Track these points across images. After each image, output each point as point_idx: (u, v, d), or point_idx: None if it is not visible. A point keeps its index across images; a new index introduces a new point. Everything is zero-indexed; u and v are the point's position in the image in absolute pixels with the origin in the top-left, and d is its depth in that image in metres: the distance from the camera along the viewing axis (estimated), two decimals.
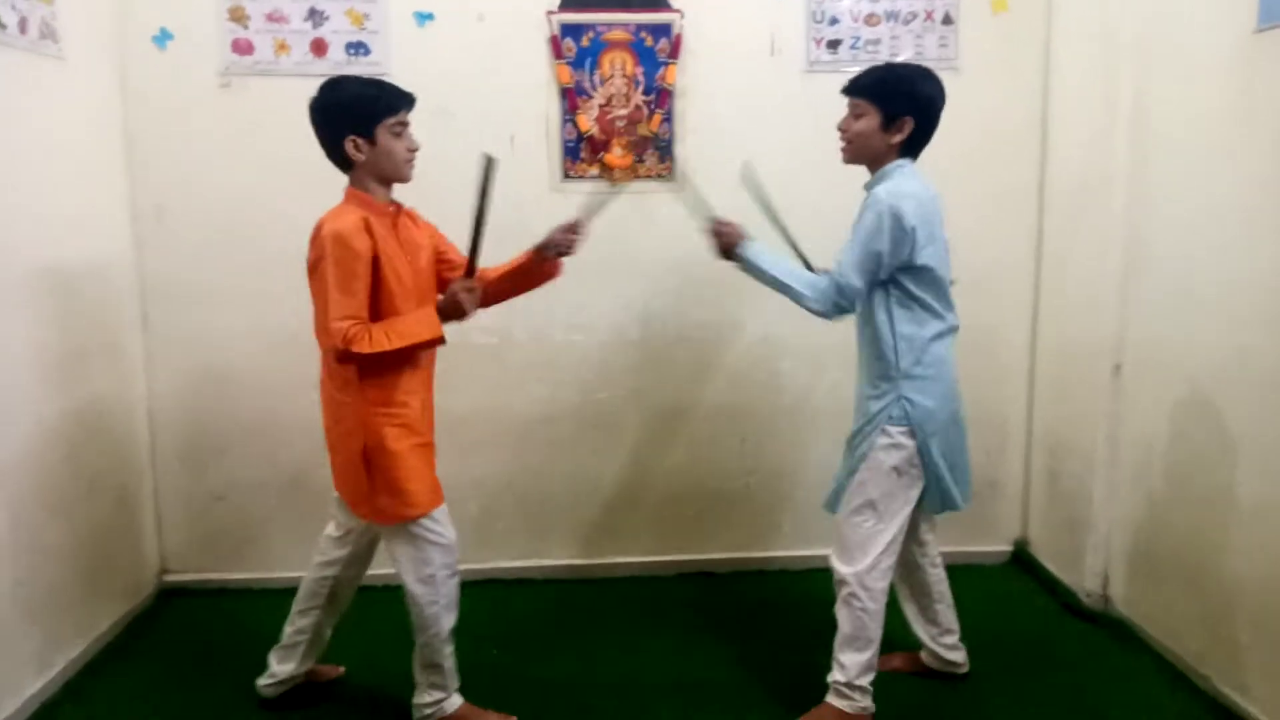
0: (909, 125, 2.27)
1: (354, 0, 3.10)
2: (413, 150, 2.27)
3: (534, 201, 3.17)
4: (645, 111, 3.21)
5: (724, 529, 3.46)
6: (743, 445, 3.41)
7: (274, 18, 3.09)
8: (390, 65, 3.10)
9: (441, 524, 2.35)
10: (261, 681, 2.55)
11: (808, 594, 3.17)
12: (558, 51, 3.15)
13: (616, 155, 3.22)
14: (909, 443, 2.29)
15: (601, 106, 3.20)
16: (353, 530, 2.46)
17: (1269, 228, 2.28)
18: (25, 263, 2.58)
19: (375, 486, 2.25)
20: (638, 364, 3.35)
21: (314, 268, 2.16)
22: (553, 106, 3.19)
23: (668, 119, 3.21)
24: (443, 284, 2.38)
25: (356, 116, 2.17)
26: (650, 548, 3.44)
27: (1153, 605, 2.82)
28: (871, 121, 2.29)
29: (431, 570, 2.33)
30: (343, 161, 2.22)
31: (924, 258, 2.22)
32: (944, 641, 2.65)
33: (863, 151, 2.34)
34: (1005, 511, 3.53)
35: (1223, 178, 2.45)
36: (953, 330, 2.34)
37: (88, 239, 2.90)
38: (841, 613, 2.39)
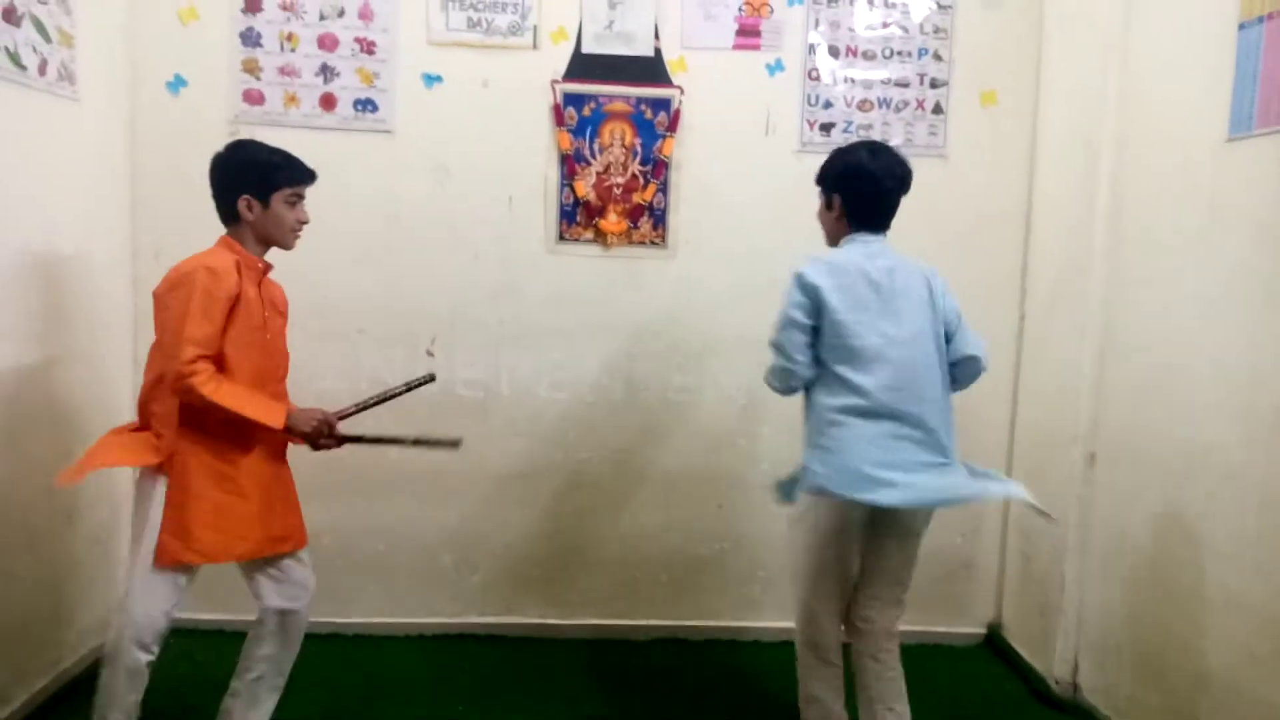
0: (838, 201, 2.40)
1: (365, 59, 3.20)
2: (302, 222, 2.35)
3: (529, 262, 3.26)
4: (641, 180, 3.30)
5: (698, 595, 3.46)
6: (719, 511, 3.43)
7: (286, 71, 3.19)
8: (395, 123, 3.19)
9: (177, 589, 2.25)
10: None
11: (779, 666, 3.16)
12: (559, 119, 3.25)
13: (611, 221, 3.30)
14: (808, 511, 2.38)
15: (599, 174, 3.29)
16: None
17: (1239, 326, 2.34)
18: (24, 294, 2.63)
19: (164, 519, 2.19)
20: (620, 424, 3.38)
21: (167, 295, 2.18)
22: (551, 171, 3.28)
23: (663, 189, 3.30)
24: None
25: (257, 180, 2.27)
26: (624, 610, 3.44)
27: (1119, 695, 2.82)
28: (820, 204, 2.47)
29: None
30: (230, 216, 2.30)
31: (830, 322, 2.25)
32: None
33: (826, 234, 2.49)
34: (979, 593, 3.53)
35: (1195, 276, 2.51)
36: (869, 406, 2.23)
37: (86, 275, 2.95)
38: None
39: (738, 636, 3.44)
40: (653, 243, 3.33)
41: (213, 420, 2.19)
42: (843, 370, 2.25)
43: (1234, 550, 2.33)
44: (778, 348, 2.34)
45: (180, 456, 2.19)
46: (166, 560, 2.18)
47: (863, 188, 2.37)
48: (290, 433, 2.28)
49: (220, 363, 2.18)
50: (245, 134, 3.16)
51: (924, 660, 3.13)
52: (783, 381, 2.38)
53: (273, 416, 2.20)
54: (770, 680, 3.11)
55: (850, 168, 2.38)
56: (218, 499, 2.22)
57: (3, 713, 2.58)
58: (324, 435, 2.31)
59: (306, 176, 2.34)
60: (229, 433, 2.23)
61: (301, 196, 2.34)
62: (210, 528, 2.21)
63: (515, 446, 3.36)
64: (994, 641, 3.49)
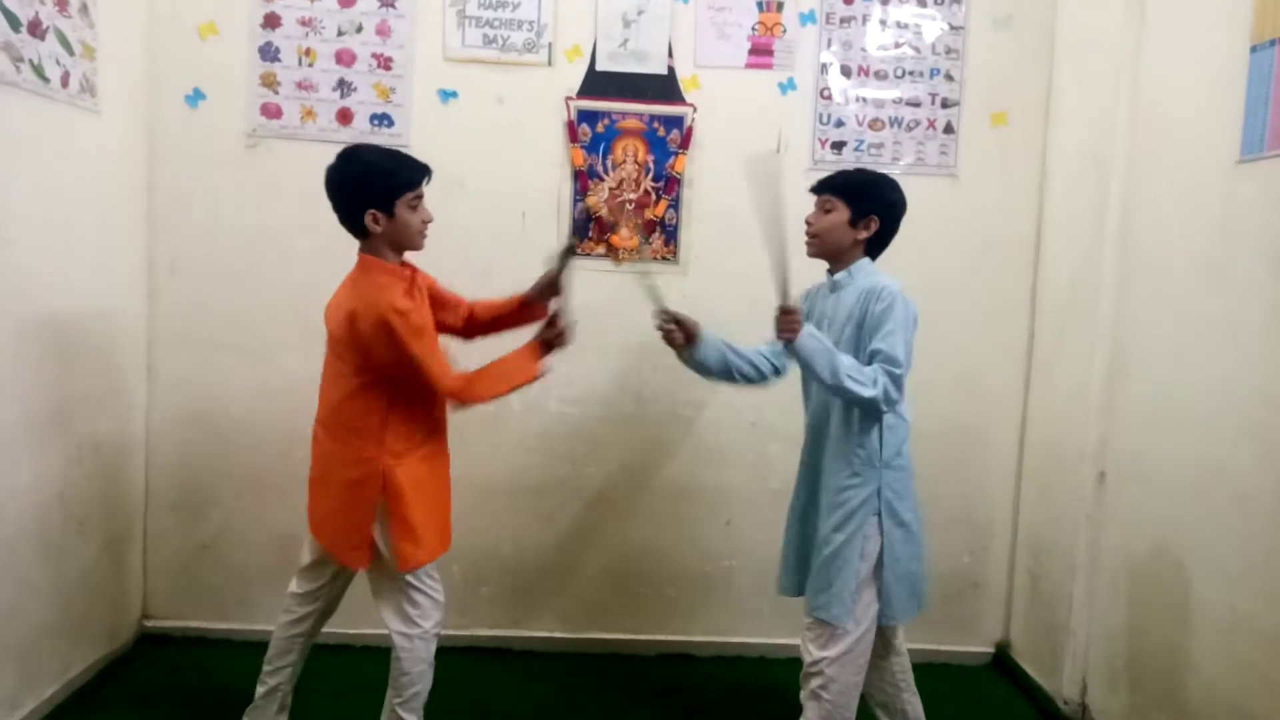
0: (875, 224, 2.40)
1: (382, 75, 3.24)
2: (427, 222, 2.35)
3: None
4: (653, 197, 3.32)
5: (705, 611, 3.46)
6: (727, 527, 3.43)
7: (304, 85, 3.22)
8: (410, 137, 3.22)
9: (437, 580, 2.39)
10: None
11: (786, 682, 3.16)
12: (573, 135, 3.28)
13: (623, 236, 3.32)
14: (879, 535, 2.33)
15: (612, 189, 3.31)
16: (323, 586, 2.49)
17: (1247, 348, 2.34)
18: (41, 303, 2.65)
19: (392, 534, 2.27)
20: (629, 440, 3.39)
21: (368, 330, 2.18)
22: (565, 187, 3.30)
23: (674, 205, 3.33)
24: (437, 322, 2.44)
25: (376, 191, 2.23)
26: (631, 626, 3.44)
27: (1128, 717, 2.80)
28: (840, 216, 2.42)
29: (425, 627, 2.35)
30: (359, 231, 2.29)
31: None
32: None
33: (828, 245, 2.46)
34: (988, 612, 3.52)
35: (1205, 297, 2.52)
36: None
37: (103, 285, 2.98)
38: (809, 705, 2.37)
39: (744, 652, 3.44)
40: (664, 259, 3.35)
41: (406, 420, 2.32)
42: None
43: (1244, 572, 2.33)
44: (908, 362, 2.29)
45: (387, 465, 2.28)
46: (409, 565, 2.30)
47: (896, 227, 2.46)
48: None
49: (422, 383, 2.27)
50: (263, 147, 3.22)
51: (931, 679, 3.11)
52: (888, 400, 2.25)
53: (531, 370, 2.43)
54: (776, 697, 3.10)
55: (900, 203, 2.44)
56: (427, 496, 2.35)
57: (12, 719, 2.59)
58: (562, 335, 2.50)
59: (422, 174, 2.31)
60: (416, 428, 2.35)
61: (421, 196, 2.32)
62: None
63: (525, 461, 3.37)
64: (1002, 661, 3.48)
